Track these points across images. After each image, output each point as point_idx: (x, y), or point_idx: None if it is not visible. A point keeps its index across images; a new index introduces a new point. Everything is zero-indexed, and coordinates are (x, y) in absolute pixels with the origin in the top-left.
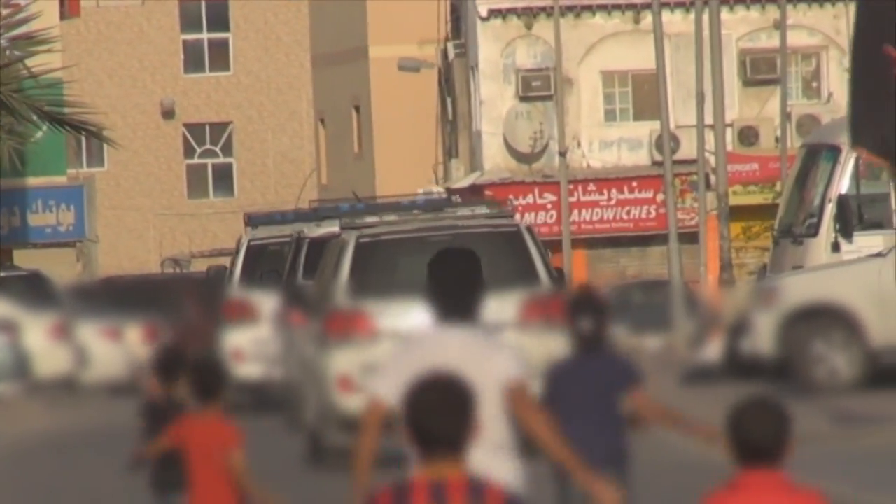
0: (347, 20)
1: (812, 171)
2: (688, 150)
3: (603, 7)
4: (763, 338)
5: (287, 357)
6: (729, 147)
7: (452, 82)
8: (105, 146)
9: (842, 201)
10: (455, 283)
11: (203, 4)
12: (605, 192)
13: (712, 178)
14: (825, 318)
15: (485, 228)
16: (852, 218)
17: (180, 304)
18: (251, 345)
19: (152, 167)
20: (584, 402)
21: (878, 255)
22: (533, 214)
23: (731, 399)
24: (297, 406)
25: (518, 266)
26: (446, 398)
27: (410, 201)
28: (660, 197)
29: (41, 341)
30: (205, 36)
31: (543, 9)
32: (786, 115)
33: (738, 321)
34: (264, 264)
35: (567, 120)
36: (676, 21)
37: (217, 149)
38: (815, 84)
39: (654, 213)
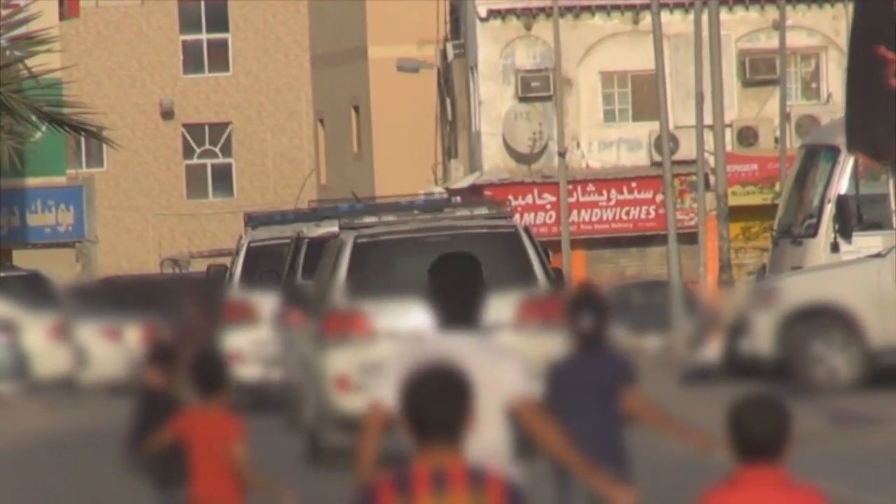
0: (346, 20)
1: (811, 171)
2: (687, 150)
3: (602, 7)
4: (762, 338)
5: (286, 357)
6: (728, 147)
7: (452, 83)
8: (104, 146)
9: (841, 202)
10: (456, 289)
11: (202, 5)
12: (605, 192)
13: (711, 179)
14: (824, 318)
15: (482, 229)
16: (851, 218)
17: (179, 305)
18: (251, 346)
19: (151, 167)
20: (585, 400)
21: (878, 255)
22: (532, 215)
23: (731, 399)
24: (296, 406)
25: (515, 267)
26: (443, 387)
27: (409, 202)
28: (659, 197)
29: (40, 341)
30: (204, 36)
31: (543, 9)
32: (785, 116)
33: (738, 321)
34: (264, 264)
35: (566, 120)
36: (675, 21)
37: (216, 149)
38: (814, 85)
39: (653, 214)
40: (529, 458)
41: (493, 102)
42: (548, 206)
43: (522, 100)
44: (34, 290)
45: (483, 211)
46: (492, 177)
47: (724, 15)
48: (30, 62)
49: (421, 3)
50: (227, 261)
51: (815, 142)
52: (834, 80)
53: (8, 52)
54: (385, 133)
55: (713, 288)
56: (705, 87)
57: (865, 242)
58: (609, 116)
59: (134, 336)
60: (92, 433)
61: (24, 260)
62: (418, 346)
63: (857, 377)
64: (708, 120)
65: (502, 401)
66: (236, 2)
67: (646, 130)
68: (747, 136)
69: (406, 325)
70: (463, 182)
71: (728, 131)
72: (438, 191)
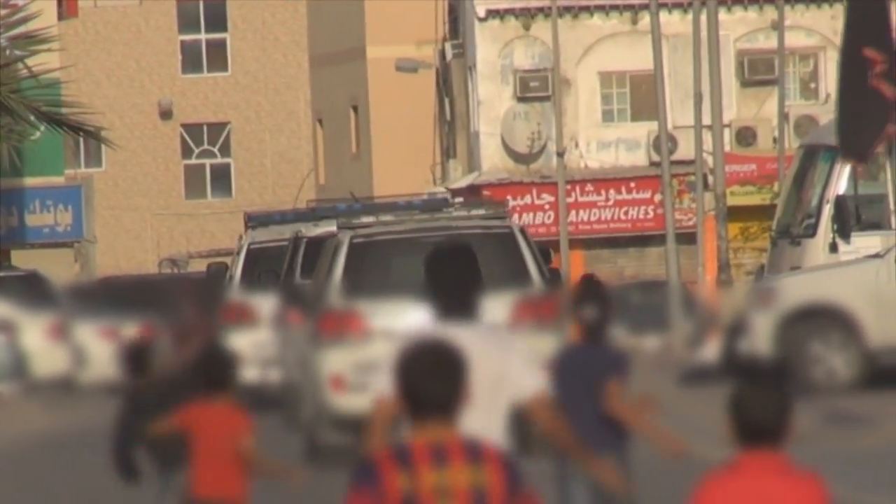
0: (345, 20)
1: (810, 171)
2: (685, 150)
3: (601, 8)
4: (761, 338)
5: (285, 356)
6: (727, 147)
7: (450, 83)
8: (103, 146)
9: (840, 202)
10: (453, 279)
11: (201, 5)
12: (603, 192)
13: (710, 179)
14: (823, 318)
15: (478, 230)
16: (850, 219)
17: (178, 305)
18: (250, 348)
19: (150, 167)
20: (586, 390)
21: (876, 255)
22: (531, 215)
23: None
24: (294, 405)
25: (510, 267)
26: (438, 363)
27: (407, 202)
28: (657, 197)
29: (39, 341)
30: (202, 36)
31: (541, 9)
32: (783, 116)
33: (736, 321)
34: (264, 266)
35: (565, 120)
36: (674, 22)
37: (215, 149)
38: (812, 85)
39: (651, 214)
40: (529, 458)
41: (492, 102)
42: (546, 206)
43: (521, 100)
44: (33, 290)
45: (480, 211)
46: (490, 177)
47: (722, 15)
48: (28, 62)
49: (419, 3)
50: (226, 260)
51: (814, 142)
52: (832, 80)
53: (8, 52)
54: (383, 133)
55: (712, 288)
56: (704, 88)
57: (864, 243)
58: (607, 116)
59: (132, 336)
60: (90, 433)
61: (22, 260)
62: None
63: (856, 377)
64: (706, 120)
65: (511, 398)
66: (235, 2)
67: (644, 130)
68: (746, 136)
69: (401, 324)
70: (461, 182)
71: (726, 131)
72: (440, 191)
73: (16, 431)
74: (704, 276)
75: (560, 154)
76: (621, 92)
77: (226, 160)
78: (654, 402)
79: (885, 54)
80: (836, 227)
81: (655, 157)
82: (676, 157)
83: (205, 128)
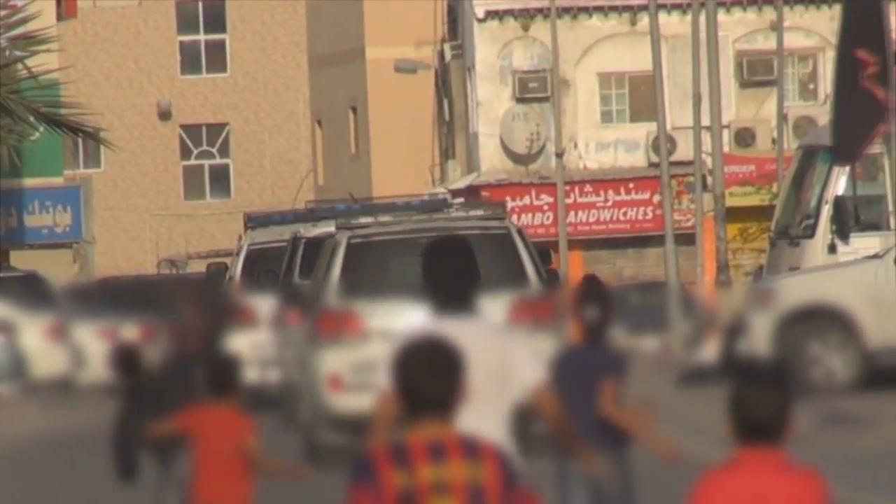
0: (344, 21)
1: (809, 172)
2: (684, 151)
3: (599, 9)
4: (759, 339)
5: (284, 356)
6: (725, 148)
7: (449, 84)
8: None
9: (838, 203)
10: (450, 273)
11: (200, 5)
12: (602, 193)
13: (709, 180)
14: (821, 319)
15: (475, 230)
16: (849, 219)
17: (177, 306)
18: (249, 349)
19: (149, 168)
20: (586, 390)
21: (875, 256)
22: (530, 216)
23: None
24: (293, 405)
25: (507, 268)
26: (435, 360)
27: (405, 202)
28: (656, 198)
29: (38, 342)
30: (201, 37)
31: (540, 10)
32: (782, 117)
33: (735, 322)
34: (263, 267)
35: (564, 121)
36: (673, 23)
37: (214, 150)
38: (811, 86)
39: (650, 215)
40: (530, 458)
41: (491, 103)
42: (545, 207)
43: (520, 101)
44: (31, 291)
45: (478, 212)
46: (489, 178)
47: (721, 16)
48: (28, 63)
49: (418, 3)
50: (225, 261)
51: (813, 143)
52: (831, 81)
53: (7, 53)
54: (382, 134)
55: (710, 289)
56: (703, 88)
57: (863, 243)
58: (606, 117)
59: (131, 337)
60: (89, 434)
61: (21, 260)
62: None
63: (855, 378)
64: (705, 121)
65: (517, 390)
66: (234, 2)
67: (643, 131)
68: (745, 137)
69: (399, 324)
70: (460, 183)
71: (725, 132)
72: (441, 191)
73: (15, 432)
74: (703, 277)
75: (559, 155)
76: (620, 93)
77: (225, 161)
78: (651, 408)
79: (878, 56)
80: (834, 227)
81: (654, 158)
82: (675, 157)
83: (204, 128)
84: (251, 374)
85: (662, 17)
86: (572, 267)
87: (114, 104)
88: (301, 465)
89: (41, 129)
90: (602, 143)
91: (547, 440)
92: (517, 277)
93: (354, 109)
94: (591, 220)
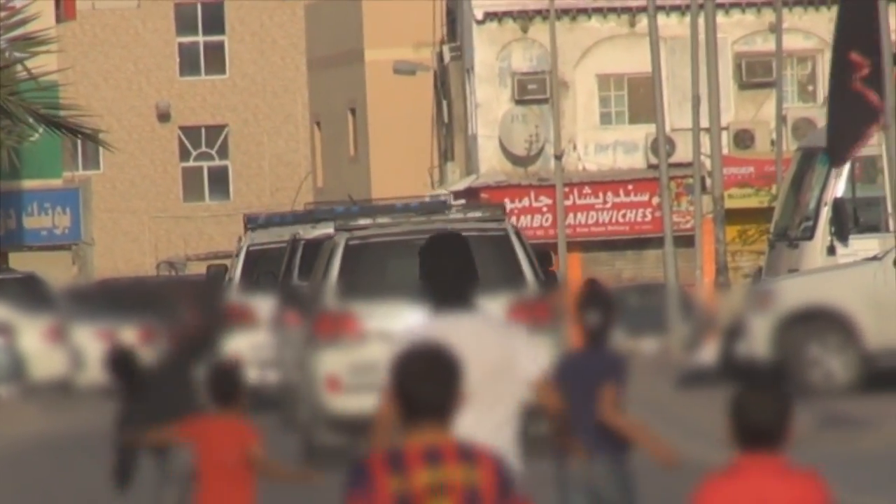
0: (343, 23)
1: (808, 174)
2: (683, 153)
3: (598, 10)
4: (758, 341)
5: (283, 357)
6: (724, 150)
7: (448, 85)
8: (101, 149)
9: (837, 204)
10: (448, 269)
11: (199, 7)
12: (601, 195)
13: (708, 182)
14: (820, 321)
15: (473, 232)
16: (848, 221)
17: (176, 307)
18: (249, 350)
19: (148, 170)
20: (587, 394)
21: (874, 258)
22: (528, 217)
23: (727, 402)
24: (292, 406)
25: (505, 269)
26: (433, 366)
27: (404, 204)
28: (655, 200)
29: (37, 344)
30: (200, 39)
31: (539, 12)
32: (781, 119)
33: (734, 324)
34: (263, 267)
35: (563, 123)
36: (672, 24)
37: (213, 151)
38: (810, 87)
39: (649, 217)
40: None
41: (490, 105)
42: (544, 209)
43: (519, 102)
44: (30, 293)
45: (476, 214)
46: (488, 179)
47: (720, 18)
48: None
49: (417, 5)
50: (225, 262)
51: (812, 144)
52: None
53: (7, 54)
54: (381, 135)
55: (709, 291)
56: (702, 90)
57: (862, 245)
58: (605, 119)
59: (130, 338)
60: (88, 436)
61: (20, 262)
62: (424, 333)
63: (854, 380)
64: (704, 123)
65: (516, 383)
66: (233, 4)
67: (642, 133)
68: (744, 138)
69: (397, 326)
70: (459, 185)
71: (724, 134)
72: (443, 193)
73: (14, 434)
74: (702, 279)
75: (558, 157)
76: (619, 94)
77: (224, 163)
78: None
79: (870, 59)
80: (833, 229)
81: (653, 160)
82: (674, 159)
83: (203, 130)
84: (251, 375)
85: (661, 18)
86: (571, 269)
87: (113, 106)
88: (310, 471)
89: (40, 130)
90: (601, 144)
91: (547, 441)
92: (515, 279)
93: (353, 111)
94: (590, 221)
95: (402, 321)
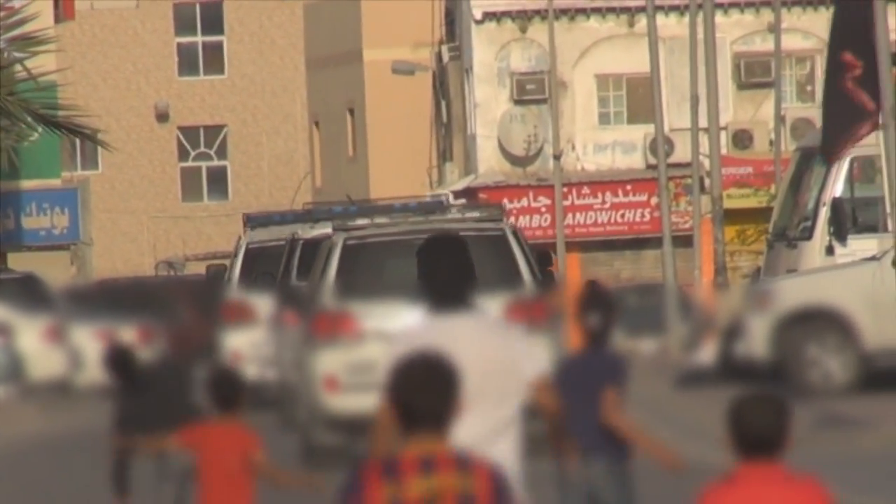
0: (342, 23)
1: (806, 174)
2: (682, 153)
3: (597, 10)
4: (757, 341)
5: (282, 357)
6: (723, 150)
7: (447, 85)
8: (99, 149)
9: (836, 204)
10: (445, 270)
11: (197, 7)
12: (600, 195)
13: (706, 182)
14: (819, 321)
15: (470, 232)
16: (846, 221)
17: (175, 308)
18: (249, 346)
19: (146, 170)
20: (587, 396)
21: (873, 258)
22: (527, 218)
23: (726, 402)
24: (291, 405)
25: (502, 269)
26: (430, 376)
27: (402, 204)
28: (654, 200)
29: (35, 344)
30: (199, 39)
31: (538, 12)
32: (780, 119)
33: (733, 324)
34: (262, 266)
35: (561, 123)
36: (671, 24)
37: (211, 152)
38: (809, 87)
39: (648, 217)
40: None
41: (489, 105)
42: (543, 209)
43: (517, 102)
44: (29, 293)
45: (474, 214)
46: (487, 180)
47: (719, 18)
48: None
49: (416, 5)
50: (224, 262)
51: (810, 144)
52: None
53: (6, 54)
54: (380, 136)
55: (708, 291)
56: (700, 90)
57: (860, 245)
58: (604, 119)
59: (129, 339)
60: (87, 436)
61: (18, 262)
62: (421, 334)
63: (852, 380)
64: (703, 123)
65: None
66: (231, 4)
67: (641, 133)
68: (742, 138)
69: (394, 325)
70: (458, 185)
71: (723, 134)
72: (445, 193)
73: (12, 434)
74: (701, 279)
75: (557, 157)
76: (618, 94)
77: (222, 163)
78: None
79: (862, 60)
80: (832, 229)
81: (652, 160)
82: (673, 159)
83: (201, 130)
84: (250, 371)
85: (660, 18)
86: (570, 269)
87: (111, 106)
88: (312, 475)
89: (39, 129)
90: (600, 144)
91: (547, 441)
92: (511, 278)
93: (352, 111)
94: (589, 222)
95: (399, 321)
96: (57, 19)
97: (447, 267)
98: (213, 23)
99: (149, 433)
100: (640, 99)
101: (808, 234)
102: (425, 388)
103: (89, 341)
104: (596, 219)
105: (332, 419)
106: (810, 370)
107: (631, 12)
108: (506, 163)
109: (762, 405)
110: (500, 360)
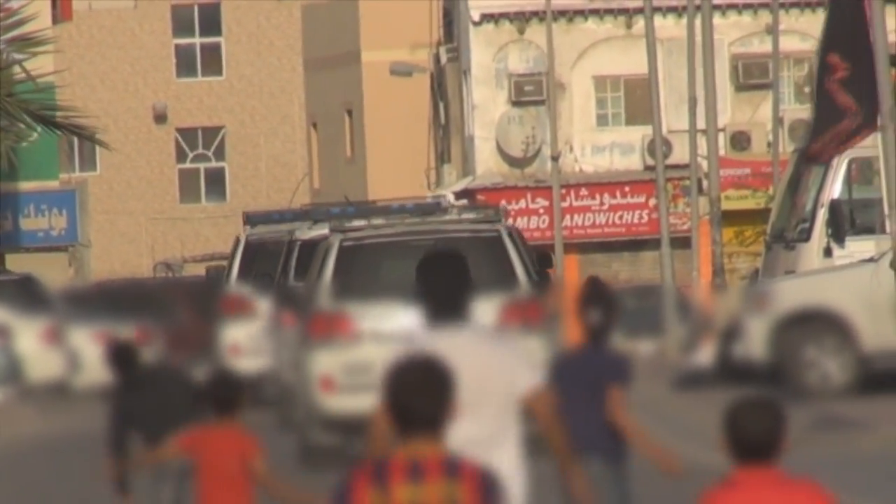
0: (340, 24)
1: (804, 175)
2: (680, 154)
3: (595, 12)
4: (755, 343)
5: (280, 357)
6: (721, 152)
7: (445, 87)
8: (98, 151)
9: (834, 206)
10: (444, 286)
11: (195, 8)
12: (598, 196)
13: (704, 183)
14: (817, 323)
15: (467, 233)
16: (844, 223)
17: (173, 309)
18: (248, 339)
19: (144, 171)
20: (585, 394)
21: (871, 260)
22: (525, 219)
23: (724, 404)
24: (288, 406)
25: (498, 270)
26: (426, 378)
27: (399, 205)
28: (652, 202)
29: (33, 346)
30: (197, 40)
31: (536, 13)
32: (778, 120)
33: (731, 326)
34: (261, 259)
35: (559, 125)
36: (669, 26)
37: (209, 153)
38: (807, 89)
39: (646, 218)
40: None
41: (487, 106)
42: (541, 211)
43: (515, 104)
44: (27, 295)
45: (471, 215)
46: (485, 181)
47: (717, 19)
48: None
49: (414, 6)
50: (223, 263)
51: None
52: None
53: (4, 55)
54: (378, 137)
55: (706, 292)
56: (698, 92)
57: (858, 247)
58: (602, 121)
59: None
60: (85, 438)
61: (16, 264)
62: (418, 343)
63: (850, 382)
64: (701, 124)
65: (510, 393)
66: (229, 5)
67: (639, 135)
68: (740, 140)
69: (390, 326)
70: (456, 186)
71: (721, 135)
72: (445, 194)
73: (10, 436)
74: (699, 281)
75: (555, 158)
76: (616, 96)
77: (220, 164)
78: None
79: (850, 62)
80: (830, 231)
81: (650, 162)
82: (671, 161)
83: (199, 132)
84: (250, 364)
85: (658, 20)
86: (568, 271)
87: (109, 107)
88: (311, 494)
89: (38, 130)
90: (598, 146)
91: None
92: (507, 280)
93: (350, 112)
94: (587, 223)
95: (395, 322)
96: (55, 20)
97: (446, 283)
98: (211, 24)
99: (147, 434)
100: (637, 100)
101: (806, 236)
102: (421, 392)
103: (87, 343)
104: (594, 220)
105: (328, 419)
106: (808, 372)
107: (629, 14)
108: (504, 164)
109: (758, 410)
110: (495, 371)
